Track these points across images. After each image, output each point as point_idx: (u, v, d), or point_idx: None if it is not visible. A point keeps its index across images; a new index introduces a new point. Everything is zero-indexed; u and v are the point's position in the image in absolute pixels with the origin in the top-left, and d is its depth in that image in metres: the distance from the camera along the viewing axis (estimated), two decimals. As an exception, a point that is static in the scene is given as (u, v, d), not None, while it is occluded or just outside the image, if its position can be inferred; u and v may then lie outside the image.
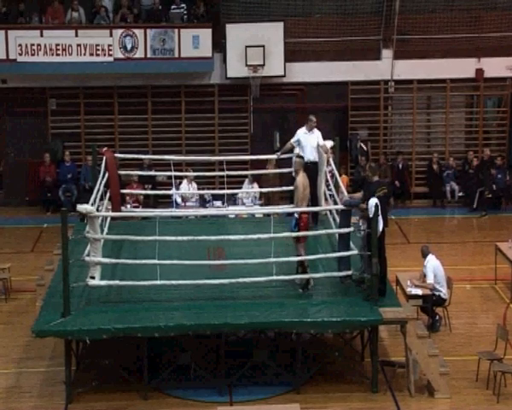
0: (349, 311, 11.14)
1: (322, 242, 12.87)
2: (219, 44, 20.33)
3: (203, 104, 20.92)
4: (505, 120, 21.44)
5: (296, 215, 11.55)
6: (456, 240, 18.13)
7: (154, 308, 11.23)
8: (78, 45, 19.61)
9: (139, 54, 19.87)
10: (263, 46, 20.00)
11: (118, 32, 19.82)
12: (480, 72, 20.94)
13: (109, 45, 19.71)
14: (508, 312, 13.43)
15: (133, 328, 10.77)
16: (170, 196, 16.41)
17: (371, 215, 11.07)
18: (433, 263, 13.10)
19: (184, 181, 18.33)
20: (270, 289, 11.61)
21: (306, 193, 11.87)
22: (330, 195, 13.52)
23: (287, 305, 11.29)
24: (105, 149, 14.48)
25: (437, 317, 13.14)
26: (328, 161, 13.48)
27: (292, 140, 13.69)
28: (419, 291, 13.04)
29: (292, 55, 20.49)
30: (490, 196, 20.15)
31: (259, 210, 16.44)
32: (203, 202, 18.21)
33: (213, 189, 18.42)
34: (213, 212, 15.97)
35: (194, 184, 18.52)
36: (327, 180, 13.59)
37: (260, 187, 17.90)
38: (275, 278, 11.43)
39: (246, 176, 18.08)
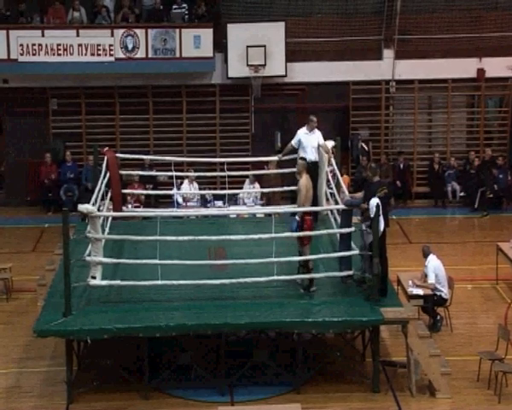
0: (350, 311, 11.13)
1: (324, 242, 12.86)
2: (220, 44, 20.33)
3: (204, 104, 20.92)
4: (506, 120, 21.43)
5: (297, 218, 11.53)
6: (457, 240, 18.13)
7: (155, 308, 11.23)
8: (80, 45, 19.62)
9: (140, 54, 19.88)
10: (264, 46, 20.00)
11: (119, 32, 19.82)
12: (481, 72, 20.93)
13: (110, 45, 19.72)
14: (509, 312, 13.40)
15: (134, 328, 10.78)
16: (171, 196, 16.41)
17: (372, 215, 11.06)
18: (434, 263, 13.09)
19: (185, 181, 18.34)
20: (271, 290, 11.61)
21: (309, 195, 11.87)
22: (331, 194, 13.50)
23: (288, 305, 11.29)
24: (106, 148, 14.48)
25: (438, 317, 13.13)
26: (329, 161, 13.47)
27: (293, 141, 13.67)
28: (420, 291, 13.04)
29: (293, 55, 20.49)
30: (491, 196, 20.14)
31: (260, 210, 16.44)
32: (204, 202, 18.21)
33: (214, 189, 18.42)
34: (214, 212, 15.97)
35: (196, 184, 18.52)
36: (328, 180, 13.58)
37: (261, 187, 17.89)
38: (276, 278, 11.43)
39: (247, 176, 18.07)
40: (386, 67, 20.92)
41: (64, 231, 10.86)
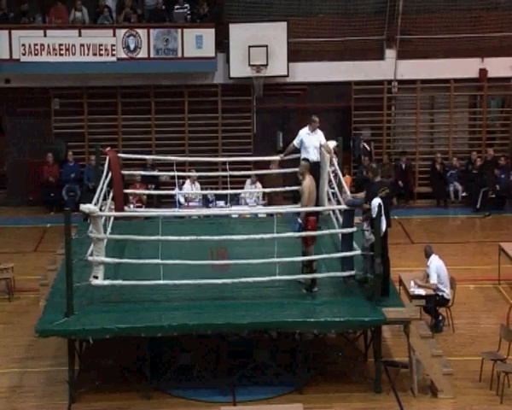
0: (352, 311, 11.13)
1: (325, 242, 12.86)
2: (222, 44, 20.34)
3: (206, 104, 20.93)
4: (509, 120, 21.43)
5: (300, 220, 11.51)
6: (459, 240, 18.11)
7: (157, 308, 11.23)
8: (82, 45, 19.64)
9: (142, 54, 19.89)
10: (266, 46, 20.01)
11: (121, 32, 19.84)
12: (483, 72, 20.92)
13: (112, 45, 19.74)
14: (511, 312, 13.39)
15: (136, 328, 10.78)
16: (173, 196, 16.41)
17: (374, 215, 11.05)
18: (436, 263, 13.08)
19: (187, 181, 18.34)
20: (273, 290, 11.61)
21: (312, 197, 11.87)
22: (333, 193, 13.50)
23: (290, 305, 11.29)
24: (108, 148, 14.49)
25: (440, 317, 13.12)
26: (331, 162, 13.46)
27: (295, 141, 13.66)
28: (422, 291, 13.03)
29: (295, 55, 20.49)
30: (493, 196, 20.13)
31: (262, 210, 16.43)
32: (206, 201, 18.21)
33: (216, 189, 18.42)
34: (216, 212, 15.97)
35: (198, 184, 18.52)
36: (330, 180, 13.57)
37: (263, 187, 17.89)
38: (278, 278, 11.43)
39: (249, 176, 18.07)
40: (388, 67, 20.92)
41: (66, 231, 10.86)
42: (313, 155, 13.27)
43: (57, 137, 20.83)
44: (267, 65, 20.03)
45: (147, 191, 18.02)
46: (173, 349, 11.58)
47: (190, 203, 18.02)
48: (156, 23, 20.24)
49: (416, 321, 11.25)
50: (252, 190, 18.18)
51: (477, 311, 14.03)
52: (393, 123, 21.57)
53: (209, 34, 19.92)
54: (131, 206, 16.52)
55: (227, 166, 14.76)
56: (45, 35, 19.73)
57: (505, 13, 20.92)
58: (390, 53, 20.95)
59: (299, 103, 21.07)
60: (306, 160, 12.47)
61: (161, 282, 11.24)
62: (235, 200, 17.83)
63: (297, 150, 13.65)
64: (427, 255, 13.23)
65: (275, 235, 11.47)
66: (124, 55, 19.85)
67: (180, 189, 17.32)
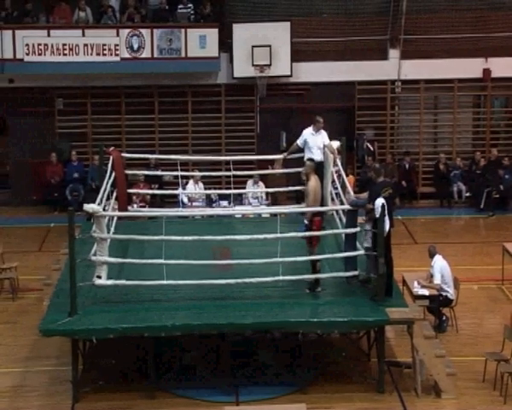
0: (355, 311, 11.12)
1: (329, 242, 12.85)
2: (226, 44, 20.34)
3: (209, 104, 20.94)
4: (512, 120, 21.42)
5: (306, 221, 11.50)
6: (462, 240, 18.10)
7: (161, 308, 11.24)
8: (85, 45, 19.65)
9: (146, 54, 19.90)
10: (269, 46, 20.00)
11: (124, 32, 19.85)
12: (487, 72, 20.90)
13: (116, 45, 19.75)
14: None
15: (139, 328, 10.78)
16: (176, 196, 16.42)
17: (378, 216, 11.05)
18: (440, 263, 13.07)
19: (191, 181, 18.35)
20: (277, 290, 11.60)
21: (317, 198, 11.87)
22: (336, 194, 13.49)
23: (293, 305, 11.28)
24: (112, 148, 14.50)
25: (444, 317, 13.11)
26: (334, 162, 13.46)
27: (298, 141, 13.66)
28: (426, 292, 13.02)
29: (298, 54, 20.48)
30: (497, 196, 20.11)
31: (266, 210, 16.43)
32: (209, 201, 18.21)
33: (220, 189, 18.42)
34: (220, 212, 15.97)
35: (201, 184, 18.52)
36: (333, 180, 13.57)
37: (267, 187, 17.89)
38: (281, 278, 11.42)
39: (252, 176, 18.06)
40: (391, 67, 20.91)
41: (70, 231, 10.87)
42: (317, 156, 13.25)
43: (61, 137, 20.85)
44: (270, 65, 20.03)
45: (150, 191, 18.02)
46: (173, 349, 11.58)
47: (194, 203, 18.02)
48: (160, 23, 20.25)
49: (419, 321, 11.24)
50: (255, 189, 18.18)
51: (481, 311, 14.02)
52: (397, 123, 21.56)
53: (212, 34, 19.93)
54: (135, 206, 16.52)
55: (231, 166, 14.75)
56: (49, 35, 19.74)
57: (509, 13, 20.88)
58: (393, 53, 20.93)
59: (303, 103, 21.05)
60: (312, 160, 12.45)
61: (165, 282, 11.24)
62: (238, 200, 17.83)
63: (300, 150, 13.64)
64: (431, 255, 13.22)
65: (278, 235, 11.47)
66: (127, 55, 19.86)
67: (183, 189, 17.31)
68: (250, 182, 18.39)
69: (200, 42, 19.91)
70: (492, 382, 11.27)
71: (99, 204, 11.92)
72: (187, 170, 18.55)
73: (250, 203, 17.94)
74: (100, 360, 11.65)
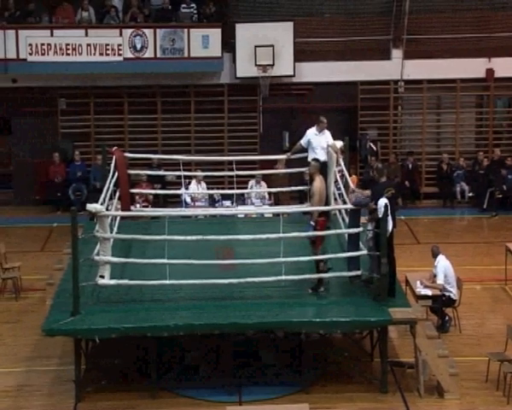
0: (358, 311, 11.11)
1: (332, 242, 12.84)
2: (229, 44, 20.34)
3: (212, 104, 20.94)
4: (515, 120, 21.40)
5: (312, 223, 11.49)
6: (465, 240, 18.08)
7: (163, 308, 11.24)
8: (88, 45, 19.67)
9: (149, 53, 19.91)
10: (272, 46, 20.00)
11: (127, 32, 19.87)
12: (490, 72, 20.88)
13: (119, 45, 19.76)
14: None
15: (142, 327, 10.78)
16: (179, 196, 16.42)
17: (381, 216, 11.03)
18: (443, 263, 13.06)
19: (193, 181, 18.35)
20: (279, 290, 11.60)
21: (323, 198, 11.87)
22: (340, 194, 13.48)
23: (295, 305, 11.28)
24: (114, 148, 14.50)
25: (446, 317, 13.09)
26: (337, 161, 13.45)
27: (302, 141, 13.65)
28: (428, 292, 13.01)
29: (301, 54, 20.48)
30: (500, 196, 20.09)
31: (269, 210, 16.43)
32: (212, 201, 18.21)
33: (222, 188, 18.42)
34: (222, 212, 15.96)
35: (204, 184, 18.52)
36: (336, 180, 13.55)
37: (269, 187, 17.89)
38: (284, 277, 11.42)
39: (255, 176, 18.05)
40: (394, 67, 20.90)
41: (72, 231, 10.88)
42: (320, 156, 13.23)
43: (64, 137, 20.87)
44: (273, 65, 20.02)
45: (153, 191, 18.03)
46: (173, 349, 11.58)
47: (196, 203, 18.03)
48: (162, 23, 20.26)
49: (422, 321, 11.24)
50: (258, 189, 18.17)
51: (484, 311, 14.00)
52: (400, 123, 21.55)
53: (215, 34, 19.93)
54: (138, 205, 16.53)
55: (233, 166, 14.75)
56: (52, 35, 19.76)
57: (512, 13, 20.90)
58: (396, 53, 20.92)
59: (306, 103, 21.05)
60: (317, 160, 12.43)
61: (167, 282, 11.24)
62: (241, 200, 17.83)
63: (304, 150, 13.63)
64: (435, 255, 13.21)
65: (281, 235, 11.47)
66: (130, 55, 19.87)
67: (186, 188, 17.32)
68: (252, 182, 18.38)
69: (203, 42, 19.92)
70: (495, 382, 11.26)
71: (102, 204, 11.93)
72: (190, 170, 18.56)
73: (253, 203, 17.94)
74: (103, 360, 11.65)
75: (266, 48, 19.98)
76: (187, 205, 17.04)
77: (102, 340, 10.94)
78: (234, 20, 20.45)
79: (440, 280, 12.94)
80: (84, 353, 11.52)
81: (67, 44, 19.62)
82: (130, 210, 14.23)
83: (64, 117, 20.78)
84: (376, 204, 11.20)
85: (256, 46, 19.96)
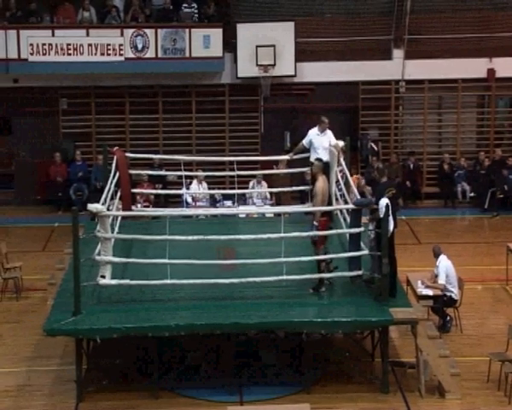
0: (359, 311, 11.11)
1: (333, 241, 12.83)
2: (230, 44, 20.34)
3: (213, 104, 20.95)
4: (517, 120, 21.39)
5: (316, 223, 11.49)
6: (467, 240, 18.07)
7: (165, 308, 11.24)
8: (90, 45, 19.67)
9: (150, 53, 19.92)
10: (273, 46, 20.00)
11: (129, 32, 19.87)
12: (491, 72, 20.87)
13: (120, 45, 19.77)
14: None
15: (143, 327, 10.78)
16: (180, 196, 16.42)
17: (382, 216, 11.03)
18: (445, 263, 13.06)
19: (194, 181, 18.35)
20: (281, 290, 11.60)
21: (325, 198, 11.86)
22: (341, 195, 13.48)
23: (297, 305, 11.28)
24: (116, 148, 14.51)
25: (448, 318, 13.09)
26: (338, 161, 13.44)
27: (304, 141, 13.64)
28: (430, 292, 13.01)
29: (302, 54, 20.48)
30: (501, 196, 20.08)
31: (270, 210, 16.43)
32: (213, 201, 18.22)
33: (224, 188, 18.42)
34: (224, 211, 15.96)
35: (205, 184, 18.53)
36: (337, 180, 13.55)
37: (270, 187, 17.88)
38: (285, 277, 11.42)
39: (256, 176, 18.04)
40: (395, 67, 20.89)
41: (74, 231, 10.88)
42: (322, 156, 13.20)
43: (65, 137, 20.87)
44: (274, 65, 20.02)
45: (154, 191, 18.03)
46: (173, 349, 11.59)
47: (198, 203, 18.03)
48: (164, 23, 20.26)
49: (423, 322, 11.23)
50: (259, 189, 18.17)
51: (485, 311, 14.00)
52: (401, 123, 21.54)
53: (217, 34, 19.93)
54: (139, 205, 16.53)
55: (234, 166, 14.75)
56: (53, 35, 19.77)
57: (514, 13, 20.89)
58: (397, 53, 20.92)
59: (307, 103, 21.05)
60: (320, 160, 12.42)
61: (169, 282, 11.25)
62: (242, 200, 17.83)
63: (306, 150, 13.62)
64: (436, 255, 13.20)
65: (282, 235, 11.46)
66: (131, 55, 19.88)
67: (187, 188, 17.32)
68: (252, 183, 18.37)
69: (205, 42, 19.92)
70: (497, 382, 11.26)
71: (103, 204, 11.93)
72: (191, 170, 18.56)
73: (254, 203, 17.94)
74: (103, 360, 11.65)
75: (267, 48, 19.98)
76: (188, 205, 17.05)
77: (103, 340, 10.94)
78: (235, 20, 20.46)
79: (442, 280, 12.93)
80: (86, 353, 11.52)
81: (69, 44, 19.63)
82: (131, 210, 14.23)
83: (65, 117, 20.78)
84: (377, 204, 11.20)
85: (257, 46, 19.96)
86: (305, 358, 11.28)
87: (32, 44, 19.60)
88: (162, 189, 19.09)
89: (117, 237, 12.05)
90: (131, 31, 19.90)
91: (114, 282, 11.37)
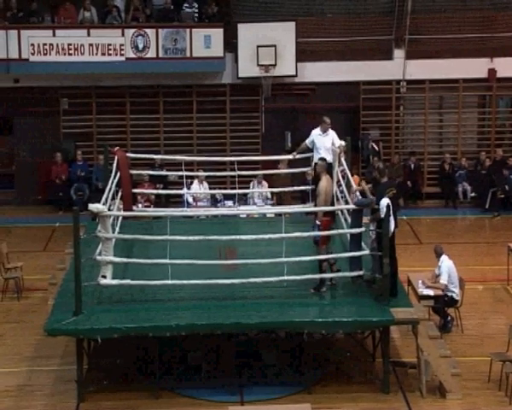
0: (360, 311, 11.11)
1: (334, 241, 12.83)
2: (231, 44, 20.34)
3: (214, 104, 20.94)
4: (517, 121, 21.38)
5: (318, 222, 11.48)
6: (468, 240, 18.07)
7: (165, 308, 11.24)
8: (90, 45, 19.68)
9: (151, 53, 19.92)
10: (274, 46, 20.00)
11: (130, 32, 19.88)
12: (492, 72, 20.86)
13: (121, 45, 19.77)
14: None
15: (144, 327, 10.79)
16: (181, 196, 16.42)
17: (383, 216, 11.03)
18: (447, 263, 13.06)
19: (195, 181, 18.35)
20: (281, 290, 11.60)
21: (328, 198, 11.85)
22: (342, 195, 13.48)
23: (298, 305, 11.28)
24: (117, 148, 14.51)
25: (449, 318, 13.09)
26: (339, 161, 13.43)
27: (307, 141, 13.61)
28: (430, 292, 13.00)
29: (303, 54, 20.48)
30: (502, 196, 20.08)
31: (271, 210, 16.43)
32: (214, 201, 18.22)
33: (224, 188, 18.41)
34: (224, 212, 15.96)
35: (206, 184, 18.53)
36: (338, 180, 13.55)
37: (271, 187, 17.88)
38: (286, 278, 11.42)
39: (257, 176, 18.04)
40: (396, 67, 20.89)
41: (74, 231, 10.88)
42: (325, 156, 13.19)
43: (66, 137, 20.87)
44: (275, 65, 20.02)
45: (155, 191, 18.03)
46: (173, 349, 11.58)
47: (198, 203, 18.03)
48: (165, 23, 20.26)
49: (424, 322, 11.23)
50: (260, 189, 18.17)
51: (486, 312, 13.99)
52: (402, 123, 21.53)
53: (217, 34, 19.93)
54: (140, 205, 16.53)
55: (235, 166, 14.75)
56: (54, 35, 19.77)
57: (515, 13, 20.87)
58: (398, 53, 20.91)
59: (308, 103, 21.05)
60: (324, 160, 12.40)
61: (169, 282, 11.25)
62: (243, 200, 17.83)
63: (309, 150, 13.61)
64: (438, 255, 13.20)
65: (283, 235, 11.46)
66: (132, 55, 19.88)
67: (188, 188, 17.32)
68: (253, 183, 18.37)
69: (205, 42, 19.92)
70: (497, 382, 11.25)
71: (104, 204, 11.93)
72: (192, 170, 18.56)
73: (255, 203, 17.94)
74: (104, 360, 11.65)
75: (268, 48, 19.98)
76: (189, 205, 17.04)
77: (104, 340, 10.94)
78: (236, 20, 20.45)
79: (445, 280, 12.93)
80: (86, 353, 11.52)
81: (69, 44, 19.63)
82: (132, 210, 14.23)
83: (66, 117, 20.78)
84: (378, 204, 11.20)
85: (258, 46, 19.96)
86: (306, 358, 11.28)
87: (32, 44, 19.60)
88: (163, 189, 19.08)
89: (118, 237, 12.06)
90: (132, 31, 19.90)
91: (115, 282, 11.38)
